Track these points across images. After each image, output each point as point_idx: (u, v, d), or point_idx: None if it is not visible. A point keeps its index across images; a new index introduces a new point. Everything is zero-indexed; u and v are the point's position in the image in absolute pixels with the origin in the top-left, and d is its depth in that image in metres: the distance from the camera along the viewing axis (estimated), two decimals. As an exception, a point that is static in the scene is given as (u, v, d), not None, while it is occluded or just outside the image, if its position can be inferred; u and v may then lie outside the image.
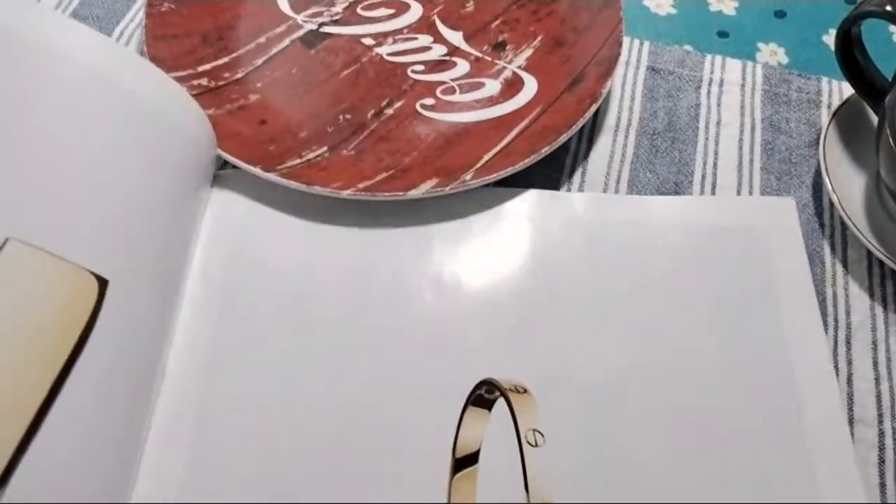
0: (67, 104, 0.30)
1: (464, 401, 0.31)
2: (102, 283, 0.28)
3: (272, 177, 0.36)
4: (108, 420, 0.27)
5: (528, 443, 0.30)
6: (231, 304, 0.33)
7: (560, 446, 0.30)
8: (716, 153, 0.40)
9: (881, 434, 0.31)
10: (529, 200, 0.37)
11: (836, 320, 0.34)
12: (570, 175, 0.39)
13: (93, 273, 0.28)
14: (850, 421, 0.32)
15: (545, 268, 0.35)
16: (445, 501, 0.29)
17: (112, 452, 0.27)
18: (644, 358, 0.32)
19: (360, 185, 0.36)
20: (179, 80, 0.39)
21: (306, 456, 0.30)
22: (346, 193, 0.35)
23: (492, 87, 0.41)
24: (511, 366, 0.32)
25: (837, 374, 0.33)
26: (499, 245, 0.36)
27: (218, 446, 0.30)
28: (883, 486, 0.30)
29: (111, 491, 0.27)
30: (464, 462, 0.29)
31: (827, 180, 0.37)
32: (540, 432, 0.30)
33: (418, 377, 0.31)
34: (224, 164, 0.38)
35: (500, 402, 0.31)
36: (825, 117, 0.41)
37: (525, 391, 0.31)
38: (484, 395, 0.31)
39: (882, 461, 0.31)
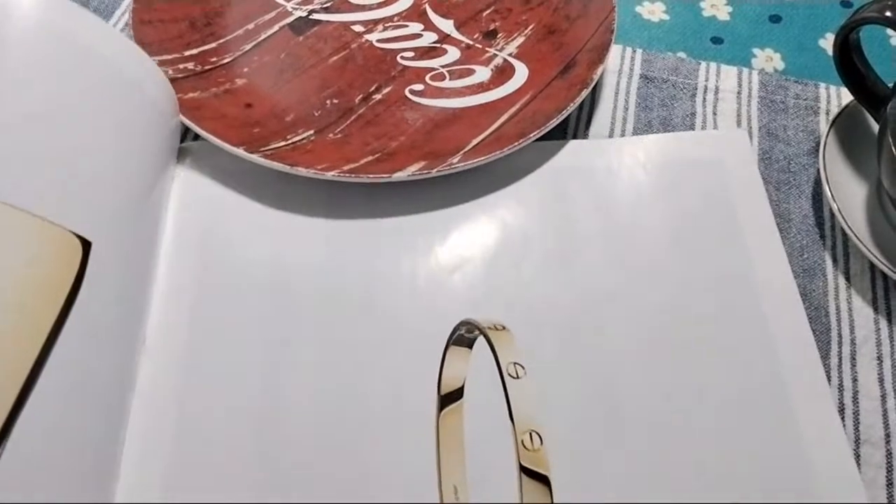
0: (29, 63, 0.30)
1: (445, 342, 0.32)
2: (86, 245, 0.28)
3: (256, 158, 0.35)
4: (95, 388, 0.28)
5: (510, 375, 0.30)
6: (205, 283, 0.33)
7: (542, 377, 0.31)
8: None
9: (889, 455, 0.30)
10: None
11: (839, 335, 0.33)
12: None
13: (76, 235, 0.28)
14: (857, 441, 0.31)
15: (515, 214, 0.36)
16: (434, 436, 0.29)
17: (99, 420, 0.28)
18: (616, 289, 0.33)
19: (345, 168, 0.35)
20: (165, 63, 0.39)
21: (294, 411, 0.30)
22: (330, 175, 0.35)
23: (482, 73, 0.41)
24: (489, 307, 0.33)
25: (842, 392, 0.32)
26: (469, 198, 0.36)
27: (201, 415, 0.30)
28: (892, 509, 0.29)
29: (98, 457, 0.27)
30: (449, 398, 0.30)
31: (827, 189, 0.36)
32: (520, 365, 0.31)
33: (399, 327, 0.32)
34: (188, 136, 0.38)
35: (481, 340, 0.32)
36: (824, 124, 0.40)
37: (503, 328, 0.32)
38: (464, 335, 0.32)
39: (890, 483, 0.30)
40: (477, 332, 0.32)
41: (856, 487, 0.28)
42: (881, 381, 0.32)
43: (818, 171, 0.37)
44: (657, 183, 0.37)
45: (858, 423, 0.31)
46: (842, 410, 0.31)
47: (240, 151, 0.36)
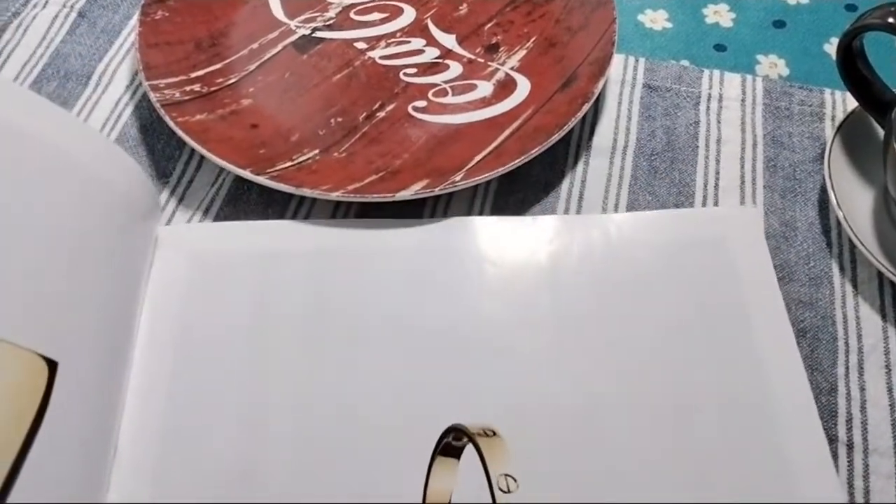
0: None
1: (431, 450, 0.30)
2: (52, 365, 0.27)
3: (262, 179, 0.36)
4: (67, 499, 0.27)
5: (500, 489, 0.29)
6: (181, 367, 0.32)
7: (534, 485, 0.29)
8: (717, 172, 0.39)
9: (898, 464, 0.30)
10: (491, 228, 0.36)
11: (846, 344, 0.33)
12: (568, 200, 0.38)
13: (41, 356, 0.27)
14: (865, 451, 0.30)
15: (508, 297, 0.34)
16: None
17: None
18: (614, 384, 0.31)
19: (350, 188, 0.36)
20: (172, 86, 0.39)
21: None
22: (335, 195, 0.35)
23: (484, 88, 0.41)
24: (477, 405, 0.31)
25: (850, 401, 0.32)
26: (460, 277, 0.35)
27: None
28: (901, 520, 0.29)
29: None
30: None
31: (833, 197, 0.36)
32: (512, 477, 0.29)
33: (382, 427, 0.30)
34: (194, 158, 0.38)
35: (470, 448, 0.30)
36: (829, 130, 0.40)
37: (494, 434, 0.30)
38: (452, 443, 0.30)
39: (900, 493, 0.30)
40: (465, 440, 0.30)
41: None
42: (890, 390, 0.32)
43: (824, 178, 0.37)
44: (658, 267, 0.35)
45: (867, 432, 0.31)
46: (849, 420, 0.31)
47: (247, 174, 0.36)
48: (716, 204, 0.38)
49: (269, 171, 0.36)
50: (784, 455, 0.30)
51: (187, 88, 0.40)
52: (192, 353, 0.33)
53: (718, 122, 0.41)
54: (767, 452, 0.30)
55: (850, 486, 0.30)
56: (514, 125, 0.39)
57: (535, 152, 0.36)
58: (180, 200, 0.39)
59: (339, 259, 0.35)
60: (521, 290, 0.34)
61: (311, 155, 0.38)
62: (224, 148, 0.37)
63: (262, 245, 0.36)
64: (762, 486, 0.29)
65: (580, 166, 0.40)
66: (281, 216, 0.38)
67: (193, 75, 0.41)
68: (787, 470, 0.29)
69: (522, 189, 0.39)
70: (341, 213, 0.38)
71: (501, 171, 0.36)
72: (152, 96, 0.38)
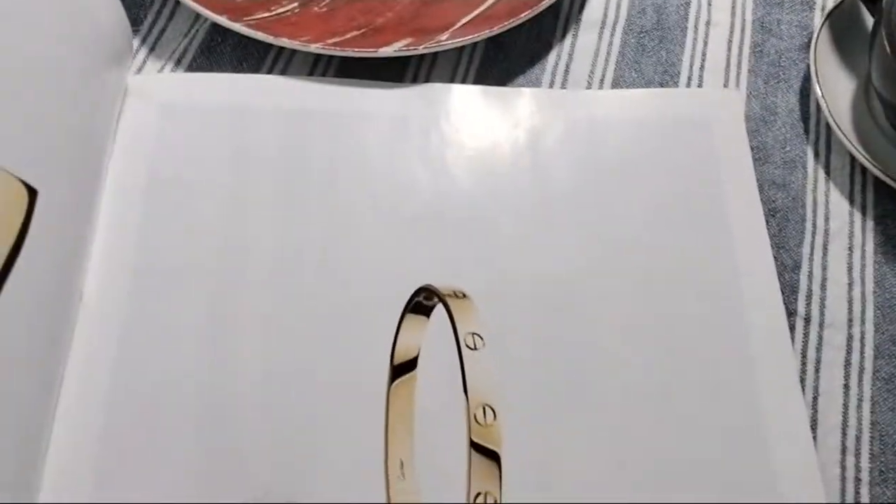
0: None
1: (401, 308, 0.30)
2: (32, 193, 0.27)
3: (239, 27, 0.35)
4: (31, 346, 0.26)
5: (468, 346, 0.29)
6: (151, 218, 0.31)
7: (503, 350, 0.29)
8: (703, 54, 0.39)
9: (850, 338, 0.31)
10: (473, 98, 0.36)
11: (814, 226, 0.34)
12: (553, 73, 0.38)
13: (23, 182, 0.27)
14: (821, 325, 0.32)
15: (488, 169, 0.34)
16: (384, 408, 0.28)
17: (31, 382, 0.26)
18: (591, 258, 0.32)
19: (330, 41, 0.35)
20: None
21: (242, 374, 0.29)
22: (314, 47, 0.35)
23: None
24: (454, 271, 0.31)
25: (811, 279, 0.33)
26: (438, 146, 0.34)
27: (136, 378, 0.28)
28: (846, 387, 0.30)
29: (29, 412, 0.26)
30: (402, 369, 0.29)
31: (816, 83, 0.36)
32: (479, 335, 0.29)
33: (354, 290, 0.30)
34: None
35: (440, 308, 0.30)
36: (818, 20, 0.40)
37: (464, 296, 0.30)
38: (422, 302, 0.30)
39: (848, 363, 0.31)
40: (436, 300, 0.30)
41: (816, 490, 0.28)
42: (850, 269, 0.33)
43: (808, 65, 0.37)
44: (640, 145, 0.35)
45: (824, 307, 0.32)
46: (809, 296, 0.32)
47: (223, 20, 0.35)
48: (700, 85, 0.38)
49: (245, 18, 0.35)
50: (745, 326, 0.31)
51: (162, -70, 0.38)
52: (161, 204, 0.32)
53: (709, 4, 0.40)
54: (731, 323, 0.31)
55: (804, 356, 0.31)
56: (504, -11, 0.38)
57: (524, 17, 0.36)
58: (151, 50, 0.37)
59: (315, 119, 0.34)
60: (501, 163, 0.34)
61: (290, 7, 0.37)
62: None
63: (236, 99, 0.35)
64: (723, 352, 0.30)
65: (568, 39, 0.39)
66: (255, 70, 0.37)
67: (169, -83, 0.38)
68: (746, 340, 0.30)
69: (508, 59, 0.38)
70: (319, 72, 0.37)
71: (489, 33, 0.35)
72: (124, -67, 0.36)
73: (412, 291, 0.30)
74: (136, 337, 0.29)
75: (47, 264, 0.27)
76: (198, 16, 0.38)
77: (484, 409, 0.28)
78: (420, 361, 0.29)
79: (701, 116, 0.36)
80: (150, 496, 0.26)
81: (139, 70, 0.37)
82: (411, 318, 0.30)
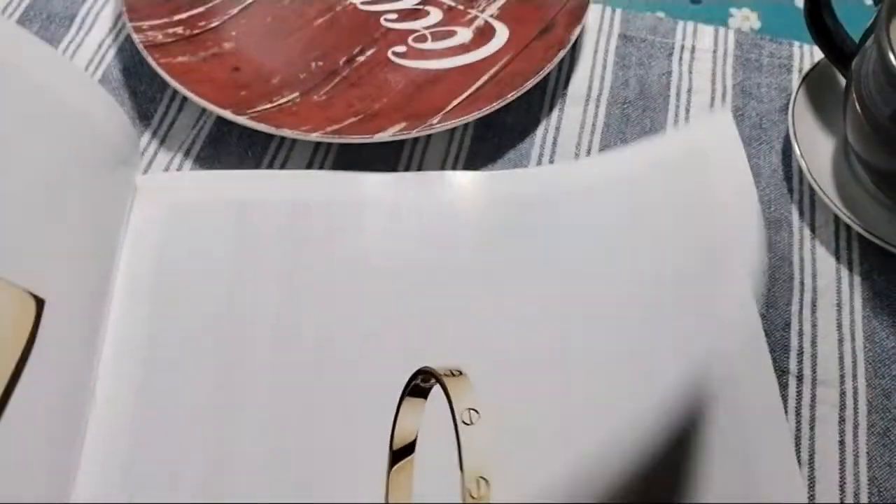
0: None
1: (400, 393, 0.31)
2: (39, 303, 0.28)
3: (242, 120, 0.37)
4: (44, 451, 0.27)
5: (464, 422, 0.30)
6: (160, 313, 0.33)
7: (501, 423, 0.30)
8: (686, 120, 0.40)
9: (843, 394, 0.32)
10: (464, 183, 0.37)
11: (801, 283, 0.35)
12: (542, 146, 0.39)
13: (30, 293, 0.28)
14: (814, 382, 0.32)
15: (485, 250, 0.35)
16: (384, 494, 0.29)
17: (47, 475, 0.27)
18: (584, 328, 0.32)
19: (329, 129, 0.37)
20: (155, 28, 0.40)
21: (245, 459, 0.29)
22: (314, 136, 0.36)
23: (464, 35, 0.42)
24: (448, 350, 0.32)
25: (802, 337, 0.33)
26: (433, 230, 0.35)
27: (154, 462, 0.29)
28: (842, 443, 0.31)
29: None
30: (401, 453, 0.30)
31: (795, 145, 0.37)
32: (475, 410, 0.30)
33: (356, 372, 0.31)
34: (177, 99, 0.39)
35: (437, 388, 0.31)
36: (796, 82, 0.41)
37: (460, 374, 0.31)
38: (420, 385, 0.31)
39: (843, 419, 0.31)
40: (433, 381, 0.31)
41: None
42: (839, 325, 0.34)
43: (788, 127, 0.38)
44: (639, 198, 0.35)
45: (816, 365, 0.33)
46: (800, 354, 0.33)
47: (228, 114, 0.37)
48: (684, 151, 0.39)
49: (249, 111, 0.37)
50: (737, 393, 0.31)
51: (170, 31, 0.40)
52: (168, 297, 0.33)
53: (690, 72, 0.42)
54: (723, 391, 0.31)
55: (798, 415, 0.32)
56: (492, 71, 0.40)
57: (511, 97, 0.38)
58: (162, 142, 0.40)
59: (314, 210, 0.36)
60: (498, 244, 0.35)
61: (291, 97, 0.39)
62: (206, 89, 0.38)
63: (238, 195, 0.36)
64: (718, 421, 0.31)
65: (555, 113, 0.41)
66: (260, 159, 0.39)
67: (176, 18, 0.41)
68: (738, 402, 0.31)
69: (498, 135, 0.40)
70: (320, 156, 0.39)
71: (478, 114, 0.37)
72: (135, 38, 0.39)
73: (410, 373, 0.31)
74: (146, 430, 0.30)
75: (57, 370, 0.28)
76: (204, 109, 0.40)
77: (478, 481, 0.29)
78: (418, 443, 0.30)
79: (694, 148, 0.36)
80: None
81: (150, 162, 0.39)
82: (410, 402, 0.31)
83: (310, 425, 0.30)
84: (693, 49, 0.43)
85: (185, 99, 0.41)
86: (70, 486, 0.28)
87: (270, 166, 0.39)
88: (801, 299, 0.34)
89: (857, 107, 0.34)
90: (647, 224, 0.35)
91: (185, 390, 0.31)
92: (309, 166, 0.39)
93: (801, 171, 0.38)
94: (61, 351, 0.29)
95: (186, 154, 0.39)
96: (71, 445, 0.29)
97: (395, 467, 0.29)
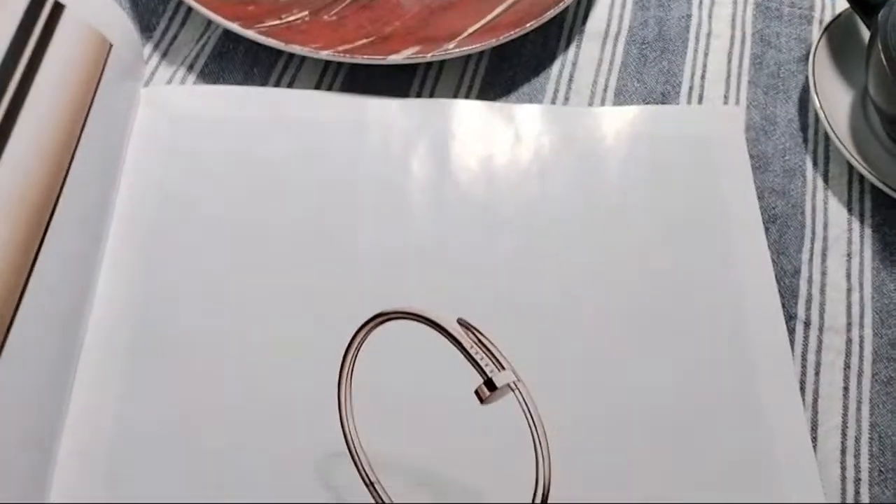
0: None
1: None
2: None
3: (251, 33, 0.35)
4: (51, 341, 0.28)
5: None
6: (161, 224, 0.32)
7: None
8: (704, 65, 0.39)
9: (849, 341, 0.32)
10: (476, 114, 0.36)
11: (813, 232, 0.35)
12: (557, 82, 0.38)
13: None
14: (821, 329, 0.32)
15: (489, 184, 0.34)
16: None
17: (48, 381, 0.27)
18: (590, 271, 0.32)
19: (340, 48, 0.36)
20: None
21: (238, 378, 0.29)
22: (324, 54, 0.35)
23: None
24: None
25: (811, 284, 0.33)
26: (440, 159, 0.35)
27: (150, 381, 0.29)
28: (846, 389, 0.31)
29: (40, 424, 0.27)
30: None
31: (814, 93, 0.36)
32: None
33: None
34: (181, 10, 0.38)
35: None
36: (816, 33, 0.41)
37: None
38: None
39: (847, 366, 0.31)
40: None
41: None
42: (848, 276, 0.34)
43: (807, 77, 0.38)
44: (641, 162, 0.35)
45: (824, 311, 0.33)
46: (809, 301, 0.33)
47: (235, 27, 0.35)
48: (701, 95, 0.38)
49: (257, 25, 0.36)
50: (745, 332, 0.31)
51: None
52: (170, 215, 0.32)
53: (710, 17, 0.41)
54: (731, 329, 0.31)
55: (804, 360, 0.32)
56: (510, 0, 0.38)
57: (529, 27, 0.36)
58: (164, 56, 0.38)
59: (320, 130, 0.35)
60: (501, 180, 0.34)
61: (300, 15, 0.38)
62: (212, 1, 0.36)
63: (244, 112, 0.35)
64: (724, 357, 0.31)
65: (572, 49, 0.40)
66: (266, 77, 0.38)
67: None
68: (746, 345, 0.31)
69: (513, 68, 0.39)
70: (328, 79, 0.38)
71: (495, 42, 0.36)
72: (139, -58, 0.37)
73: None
74: (141, 354, 0.30)
75: (61, 275, 0.28)
76: (210, 22, 0.38)
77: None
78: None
79: (702, 133, 0.36)
80: None
81: (152, 75, 0.37)
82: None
83: (322, 339, 0.30)
84: (714, -6, 0.42)
85: (189, 11, 0.39)
86: (66, 399, 0.28)
87: (277, 85, 0.37)
88: (812, 248, 0.34)
89: (883, 58, 0.34)
90: (663, 181, 0.35)
91: (183, 306, 0.30)
92: (316, 88, 0.37)
93: (817, 121, 0.38)
94: (65, 257, 0.28)
95: (190, 69, 0.38)
96: (72, 349, 0.29)
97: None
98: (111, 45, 0.33)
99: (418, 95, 0.38)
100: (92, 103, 0.32)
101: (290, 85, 0.38)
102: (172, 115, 0.35)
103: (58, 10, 0.31)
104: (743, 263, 0.33)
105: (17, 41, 0.30)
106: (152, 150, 0.34)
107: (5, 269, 0.26)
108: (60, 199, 0.29)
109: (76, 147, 0.30)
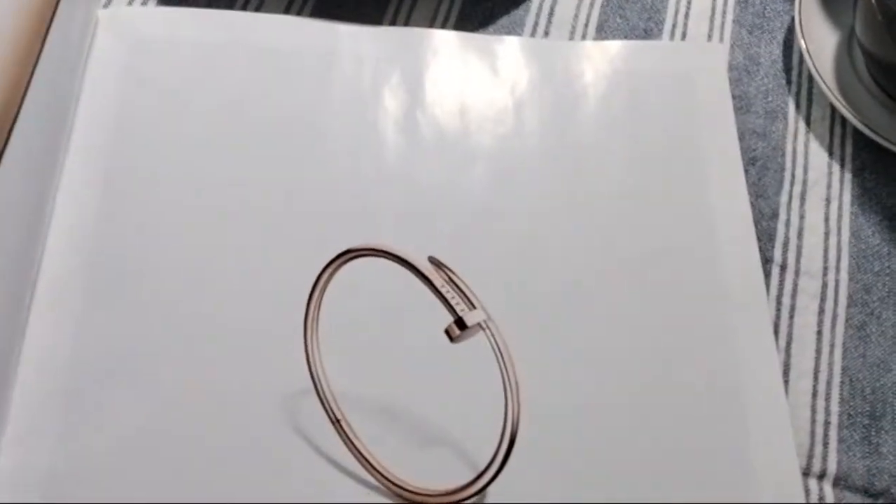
0: None
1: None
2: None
3: None
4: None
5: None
6: (118, 148, 0.31)
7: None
8: (688, 2, 0.38)
9: (824, 286, 0.32)
10: (452, 45, 0.35)
11: (793, 175, 0.34)
12: (537, 15, 0.37)
13: None
14: (797, 272, 0.32)
15: (464, 118, 0.33)
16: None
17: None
18: (564, 204, 0.32)
19: None
20: None
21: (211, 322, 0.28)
22: None
23: None
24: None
25: (788, 227, 0.33)
26: (414, 92, 0.33)
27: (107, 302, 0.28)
28: (819, 333, 0.31)
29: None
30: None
31: (800, 34, 0.35)
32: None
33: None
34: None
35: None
36: (804, -28, 0.40)
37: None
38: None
39: (822, 310, 0.31)
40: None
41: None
42: (826, 219, 0.33)
43: (792, 18, 0.37)
44: (620, 97, 0.34)
45: (800, 255, 0.32)
46: (786, 244, 0.32)
47: None
48: (684, 33, 0.37)
49: None
50: (721, 271, 0.31)
51: None
52: (128, 139, 0.31)
53: (696, -48, 0.40)
54: (707, 267, 0.31)
55: (779, 302, 0.31)
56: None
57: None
58: (121, -24, 0.36)
59: (287, 58, 0.33)
60: (477, 113, 0.33)
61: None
62: None
63: (206, 35, 0.34)
64: (698, 295, 0.30)
65: (553, -19, 0.38)
66: (231, 3, 0.36)
67: None
68: (721, 285, 0.31)
69: (491, -1, 0.37)
70: (296, 7, 0.36)
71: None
72: None
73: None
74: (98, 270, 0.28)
75: (19, 194, 0.27)
76: (170, -59, 0.36)
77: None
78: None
79: (683, 69, 0.35)
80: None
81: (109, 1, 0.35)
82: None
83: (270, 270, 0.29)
84: (701, -72, 0.40)
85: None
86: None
87: (244, 9, 0.35)
88: (791, 191, 0.34)
89: (871, -4, 0.33)
90: (641, 117, 0.34)
91: (142, 237, 0.29)
92: (285, 13, 0.35)
93: (801, 62, 0.37)
94: (19, 182, 0.27)
95: (149, -10, 0.35)
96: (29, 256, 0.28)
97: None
98: None
99: (392, 24, 0.36)
100: (49, 25, 0.30)
101: (257, 9, 0.36)
102: (132, 38, 0.33)
103: None
104: (720, 203, 0.32)
105: None
106: (110, 73, 0.32)
107: None
108: (17, 123, 0.27)
109: (32, 72, 0.29)
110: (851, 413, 0.29)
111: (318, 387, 0.27)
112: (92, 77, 0.32)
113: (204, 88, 0.32)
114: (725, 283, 0.31)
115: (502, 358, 0.29)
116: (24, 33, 0.29)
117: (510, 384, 0.28)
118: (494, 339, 0.29)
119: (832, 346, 0.31)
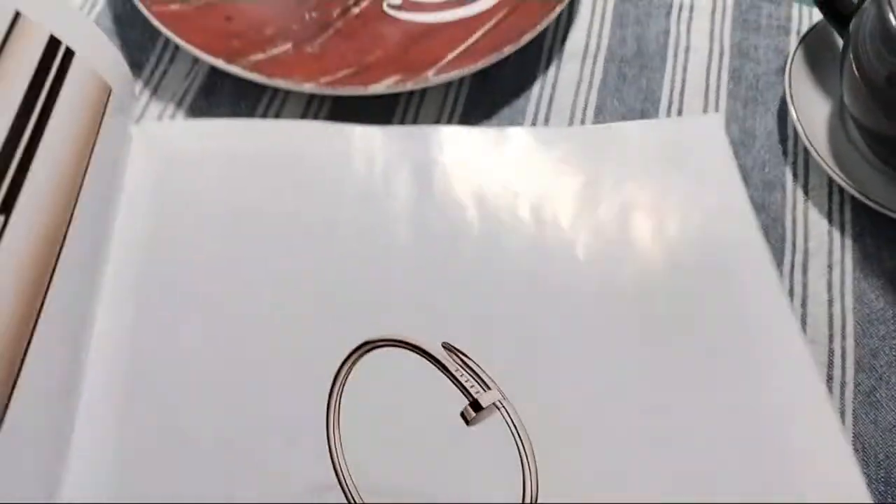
0: None
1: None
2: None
3: (234, 69, 0.36)
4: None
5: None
6: (155, 262, 0.33)
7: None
8: (683, 80, 0.40)
9: (831, 353, 0.32)
10: (459, 139, 0.37)
11: (793, 245, 0.35)
12: (538, 104, 0.39)
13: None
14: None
15: (477, 209, 0.35)
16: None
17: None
18: (580, 301, 0.33)
19: (322, 80, 0.36)
20: None
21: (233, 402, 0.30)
22: (308, 87, 0.36)
23: None
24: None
25: (792, 297, 0.34)
26: (426, 184, 0.35)
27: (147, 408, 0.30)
28: (829, 401, 0.31)
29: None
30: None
31: (791, 107, 0.37)
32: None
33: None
34: (168, 48, 0.39)
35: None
36: (793, 44, 0.41)
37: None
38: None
39: (830, 378, 0.32)
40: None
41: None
42: (829, 286, 0.34)
43: (784, 89, 0.38)
44: (633, 183, 0.35)
45: (805, 324, 0.33)
46: (790, 313, 0.33)
47: (220, 63, 0.36)
48: (680, 110, 0.39)
49: (240, 60, 0.37)
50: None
51: (162, -21, 0.39)
52: (164, 256, 0.33)
53: (688, 31, 0.42)
54: (736, 338, 0.32)
55: (786, 372, 0.32)
56: (488, 25, 0.39)
57: (507, 51, 0.37)
58: (154, 92, 0.39)
59: (308, 163, 0.36)
60: (489, 204, 0.35)
61: (284, 48, 0.38)
62: (198, 38, 0.37)
63: (234, 147, 0.36)
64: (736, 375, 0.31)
65: (551, 70, 0.40)
66: (253, 111, 0.39)
67: (168, -33, 0.40)
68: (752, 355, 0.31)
69: (494, 92, 0.39)
70: (313, 110, 0.39)
71: (474, 68, 0.37)
72: (125, -16, 0.38)
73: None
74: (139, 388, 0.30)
75: (62, 313, 0.29)
76: (196, 59, 0.39)
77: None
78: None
79: (683, 142, 0.37)
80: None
81: (143, 112, 0.38)
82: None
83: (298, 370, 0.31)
84: (691, 7, 0.42)
85: (177, 48, 0.40)
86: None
87: (264, 116, 0.38)
88: (793, 260, 0.35)
89: (854, 68, 0.34)
90: (656, 197, 0.35)
91: (177, 341, 0.31)
92: (302, 118, 0.38)
93: (796, 133, 0.38)
94: (66, 297, 0.29)
95: (179, 104, 0.39)
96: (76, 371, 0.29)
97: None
98: (111, 90, 0.34)
99: (402, 122, 0.38)
100: (93, 150, 0.32)
101: (276, 117, 0.38)
102: (164, 153, 0.36)
103: (69, 56, 0.32)
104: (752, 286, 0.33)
105: (33, 88, 0.31)
106: (145, 186, 0.35)
107: (15, 310, 0.27)
108: (66, 242, 0.29)
109: (78, 194, 0.31)
110: (866, 481, 0.30)
111: (342, 480, 0.29)
112: (128, 190, 0.34)
113: (230, 196, 0.35)
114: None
115: (518, 435, 0.30)
116: (73, 161, 0.31)
117: (527, 461, 0.30)
118: (510, 417, 0.31)
119: (842, 413, 0.31)
